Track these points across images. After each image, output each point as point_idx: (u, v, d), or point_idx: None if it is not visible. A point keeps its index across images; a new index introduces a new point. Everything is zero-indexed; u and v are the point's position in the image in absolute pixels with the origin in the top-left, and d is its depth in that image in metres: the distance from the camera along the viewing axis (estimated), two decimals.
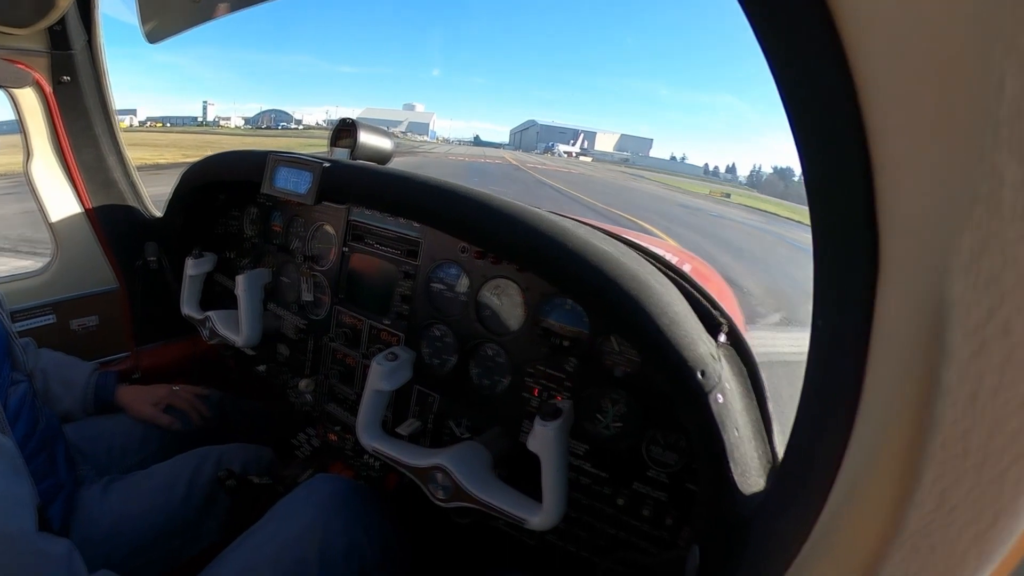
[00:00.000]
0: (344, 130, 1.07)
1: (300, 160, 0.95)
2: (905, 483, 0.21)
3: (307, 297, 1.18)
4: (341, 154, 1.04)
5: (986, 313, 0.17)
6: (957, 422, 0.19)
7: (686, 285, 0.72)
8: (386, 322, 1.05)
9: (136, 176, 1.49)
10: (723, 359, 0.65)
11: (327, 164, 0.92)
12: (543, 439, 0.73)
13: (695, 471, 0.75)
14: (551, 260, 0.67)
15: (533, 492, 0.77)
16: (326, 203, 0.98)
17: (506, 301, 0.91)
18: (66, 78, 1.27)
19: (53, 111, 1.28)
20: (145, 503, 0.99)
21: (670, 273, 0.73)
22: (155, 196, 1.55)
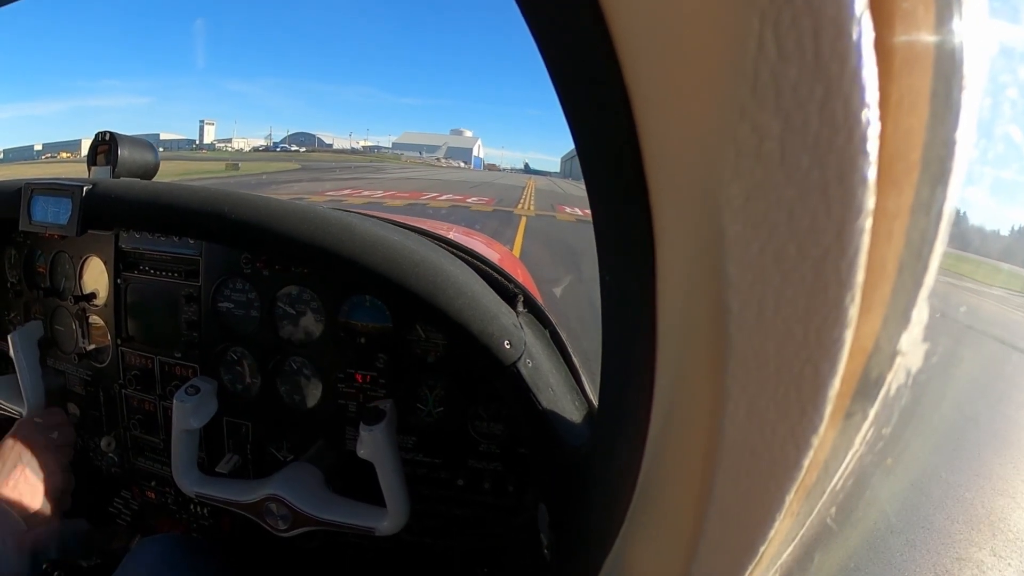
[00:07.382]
0: (102, 145, 0.94)
1: (57, 186, 0.83)
2: (715, 401, 0.24)
3: (85, 344, 1.05)
4: (101, 173, 0.93)
5: (760, 246, 0.21)
6: (750, 339, 0.22)
7: (478, 263, 0.74)
8: (177, 355, 0.98)
9: None
10: (525, 326, 0.69)
11: (88, 187, 0.82)
12: (372, 444, 0.73)
13: (522, 436, 0.80)
14: (341, 256, 0.64)
15: (373, 498, 0.77)
16: (92, 232, 0.86)
17: (302, 309, 0.88)
18: None
19: None
20: None
21: (461, 254, 0.76)
22: None
